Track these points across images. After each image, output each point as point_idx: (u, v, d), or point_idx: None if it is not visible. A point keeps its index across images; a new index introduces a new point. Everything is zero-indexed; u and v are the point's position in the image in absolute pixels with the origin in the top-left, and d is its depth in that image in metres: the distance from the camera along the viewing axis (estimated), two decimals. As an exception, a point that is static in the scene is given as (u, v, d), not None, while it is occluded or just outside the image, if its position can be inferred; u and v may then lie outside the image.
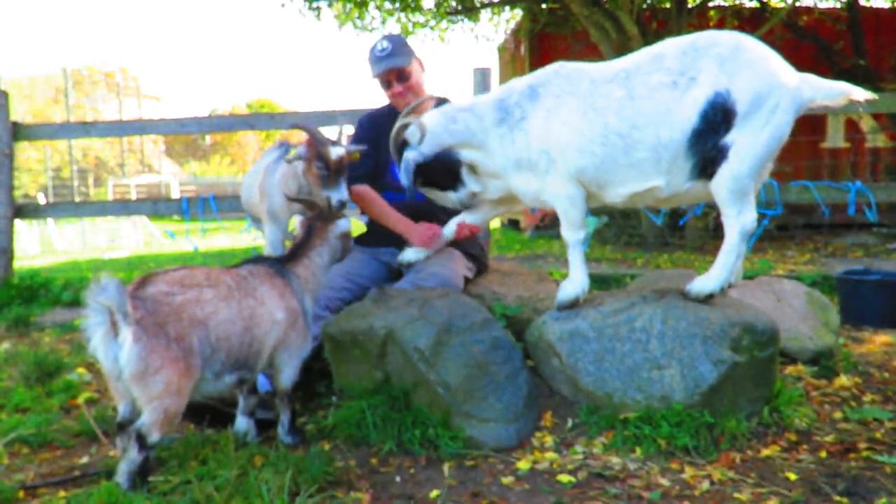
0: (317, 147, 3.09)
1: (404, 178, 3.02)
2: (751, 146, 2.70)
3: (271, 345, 2.62)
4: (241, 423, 2.76)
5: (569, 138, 2.84)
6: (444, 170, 3.10)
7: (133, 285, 2.35)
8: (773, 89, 2.69)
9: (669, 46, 2.84)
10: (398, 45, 3.49)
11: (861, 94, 2.78)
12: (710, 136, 2.71)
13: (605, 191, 2.90)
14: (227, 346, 2.44)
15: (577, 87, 2.88)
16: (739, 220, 2.78)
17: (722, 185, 2.74)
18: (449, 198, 3.21)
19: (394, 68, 3.47)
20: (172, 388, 2.26)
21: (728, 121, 2.69)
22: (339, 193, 3.08)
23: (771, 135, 2.72)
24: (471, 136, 3.03)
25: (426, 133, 3.00)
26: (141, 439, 2.25)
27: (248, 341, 2.52)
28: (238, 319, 2.48)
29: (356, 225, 3.01)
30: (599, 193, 2.92)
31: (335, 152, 3.09)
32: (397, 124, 3.09)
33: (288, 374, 2.74)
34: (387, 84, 3.55)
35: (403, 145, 3.07)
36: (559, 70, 2.97)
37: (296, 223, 2.99)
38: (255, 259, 2.82)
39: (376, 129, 3.63)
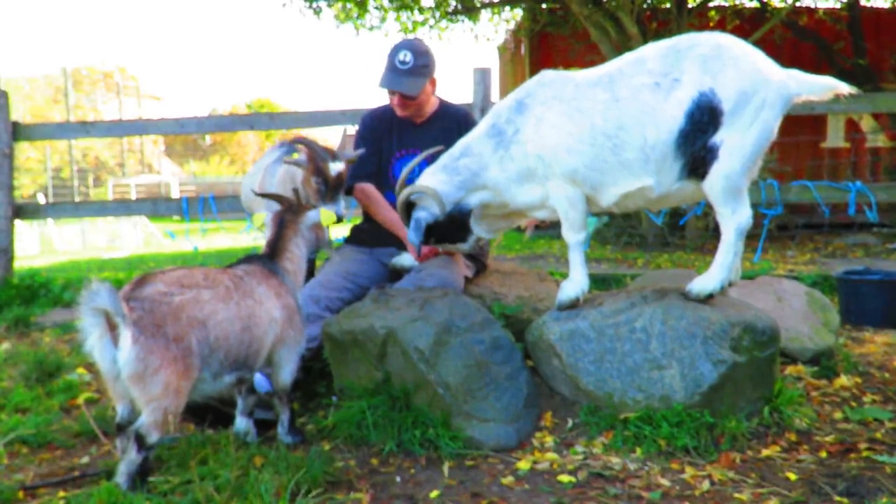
0: (316, 162, 3.10)
1: (414, 237, 3.00)
2: (740, 144, 2.71)
3: (270, 343, 2.63)
4: (241, 423, 2.76)
5: (558, 139, 2.86)
6: (455, 226, 3.11)
7: (130, 285, 2.34)
8: (757, 86, 2.70)
9: (650, 50, 2.88)
10: (418, 66, 3.36)
11: (846, 88, 2.80)
12: (698, 137, 2.73)
13: (599, 191, 2.91)
14: (225, 346, 2.44)
15: (561, 92, 2.91)
16: (735, 219, 2.79)
17: (715, 184, 2.75)
18: (460, 248, 3.26)
19: (399, 93, 3.42)
20: (171, 389, 2.26)
21: (715, 120, 2.71)
22: (338, 208, 3.10)
23: (760, 131, 2.73)
24: (475, 178, 3.03)
25: (440, 198, 2.98)
26: (140, 440, 2.25)
27: (247, 341, 2.52)
28: (237, 319, 2.48)
29: (326, 215, 2.93)
30: (594, 195, 2.93)
31: (334, 168, 3.10)
32: (402, 194, 3.06)
33: (288, 371, 2.75)
34: (391, 93, 3.49)
35: (411, 206, 3.06)
36: (541, 79, 3.00)
37: (265, 219, 2.91)
38: (248, 258, 2.81)
39: (379, 128, 3.63)
